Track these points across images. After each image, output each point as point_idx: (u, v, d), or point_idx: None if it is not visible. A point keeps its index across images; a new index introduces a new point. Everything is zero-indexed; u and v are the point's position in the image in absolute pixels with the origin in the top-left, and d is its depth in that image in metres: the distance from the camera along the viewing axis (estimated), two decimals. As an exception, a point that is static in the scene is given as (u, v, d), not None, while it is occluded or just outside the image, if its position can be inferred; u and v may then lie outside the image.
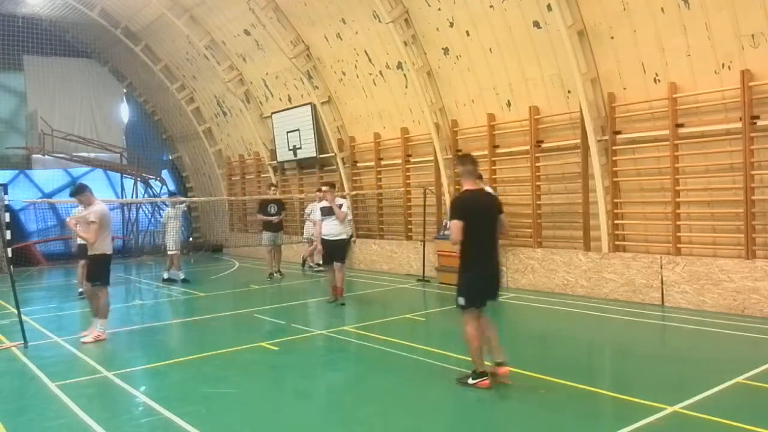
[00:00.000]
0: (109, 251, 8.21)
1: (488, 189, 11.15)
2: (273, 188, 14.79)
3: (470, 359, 5.85)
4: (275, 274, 13.80)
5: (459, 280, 5.95)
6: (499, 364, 5.83)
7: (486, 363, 5.82)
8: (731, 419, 4.71)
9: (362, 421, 5.19)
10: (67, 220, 9.09)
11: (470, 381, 5.79)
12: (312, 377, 6.49)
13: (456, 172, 5.89)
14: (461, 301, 5.84)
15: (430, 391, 5.97)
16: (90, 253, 8.19)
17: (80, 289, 11.35)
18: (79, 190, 8.19)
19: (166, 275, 13.59)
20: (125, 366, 6.84)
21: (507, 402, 5.56)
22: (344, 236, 10.60)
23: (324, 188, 10.85)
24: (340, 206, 10.46)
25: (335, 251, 10.47)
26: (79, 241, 11.34)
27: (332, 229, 10.43)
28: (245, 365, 6.89)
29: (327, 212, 10.48)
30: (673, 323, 8.43)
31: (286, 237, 14.61)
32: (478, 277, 5.83)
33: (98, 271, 8.16)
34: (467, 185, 5.94)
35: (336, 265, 10.42)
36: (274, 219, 13.92)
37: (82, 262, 11.32)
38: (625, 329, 8.37)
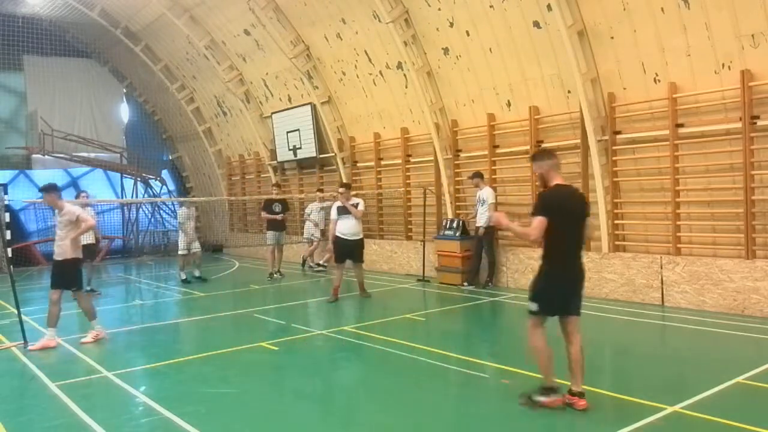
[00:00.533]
0: (81, 255, 8.05)
1: (487, 189, 11.29)
2: (275, 188, 14.75)
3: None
4: (275, 275, 13.80)
5: (535, 284, 5.29)
6: (577, 395, 5.15)
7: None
8: (731, 419, 4.71)
9: (362, 421, 5.19)
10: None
11: (541, 399, 5.20)
12: (312, 377, 6.49)
13: (538, 171, 5.40)
14: (533, 306, 5.23)
15: (430, 391, 5.97)
16: (61, 258, 7.73)
17: (89, 287, 11.34)
18: (48, 188, 7.80)
19: (183, 275, 13.45)
20: (125, 366, 6.84)
21: (507, 402, 5.56)
22: (361, 236, 10.81)
23: (341, 189, 10.94)
24: (356, 205, 10.58)
25: (354, 251, 10.71)
26: (85, 242, 11.41)
27: (350, 228, 10.62)
28: (245, 365, 6.89)
29: (343, 211, 10.60)
30: (673, 323, 8.43)
31: (286, 237, 14.58)
32: (561, 283, 5.20)
33: (73, 276, 7.88)
34: (557, 180, 5.26)
35: (355, 264, 10.77)
36: (279, 217, 13.91)
37: (91, 262, 11.42)
38: (625, 329, 8.37)
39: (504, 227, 5.25)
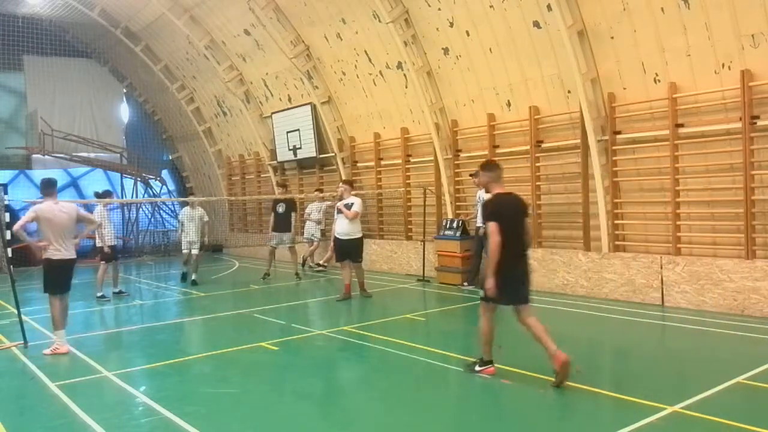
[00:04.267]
0: (55, 257, 7.41)
1: (482, 192, 11.26)
2: (280, 188, 14.67)
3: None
4: (298, 273, 13.68)
5: (489, 277, 5.90)
6: (554, 355, 5.83)
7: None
8: (731, 419, 4.71)
9: (362, 421, 5.19)
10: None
11: (477, 369, 6.16)
12: (312, 377, 6.48)
13: (480, 181, 6.49)
14: (484, 296, 6.02)
15: (430, 391, 5.97)
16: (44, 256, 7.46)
17: (99, 294, 11.32)
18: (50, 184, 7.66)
19: (193, 276, 13.36)
20: (125, 366, 6.84)
21: (507, 402, 5.56)
22: (356, 236, 10.64)
23: (339, 187, 10.92)
24: (350, 205, 10.51)
25: (350, 251, 10.65)
26: (99, 243, 11.43)
27: (343, 228, 10.61)
28: (245, 365, 6.89)
29: (339, 210, 10.63)
30: (673, 323, 8.43)
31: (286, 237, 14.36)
32: (509, 276, 5.87)
33: (45, 279, 7.55)
34: (497, 189, 6.14)
35: (354, 264, 10.66)
36: (272, 217, 13.86)
37: (103, 263, 11.39)
38: (625, 329, 8.37)
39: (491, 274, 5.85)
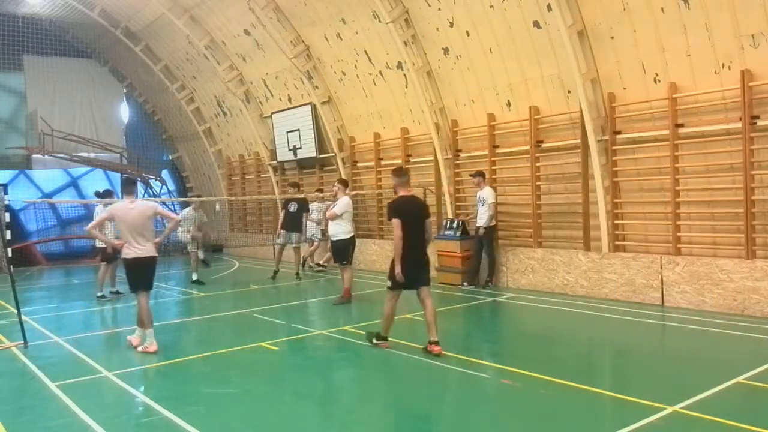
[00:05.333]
0: (129, 256, 7.41)
1: (487, 189, 11.28)
2: (293, 188, 14.57)
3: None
4: (299, 273, 13.62)
5: (390, 268, 7.11)
6: (433, 343, 6.93)
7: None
8: (731, 419, 4.71)
9: (362, 421, 5.19)
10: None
11: (375, 341, 7.32)
12: (312, 377, 6.49)
13: (393, 182, 7.44)
14: (389, 284, 7.16)
15: (430, 391, 5.97)
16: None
17: (99, 293, 11.34)
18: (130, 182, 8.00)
19: (194, 276, 13.33)
20: (125, 366, 6.84)
21: (507, 402, 5.57)
22: (341, 237, 10.45)
23: (335, 186, 10.92)
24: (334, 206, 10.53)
25: (334, 251, 10.70)
26: (99, 244, 11.21)
27: (330, 229, 10.63)
28: (245, 365, 6.89)
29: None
30: (673, 323, 8.43)
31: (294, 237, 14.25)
32: (406, 266, 6.96)
33: (126, 277, 7.66)
34: (403, 192, 7.24)
35: (339, 265, 10.62)
36: (282, 215, 13.82)
37: (104, 264, 11.39)
38: (625, 329, 8.37)
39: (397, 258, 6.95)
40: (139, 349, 7.42)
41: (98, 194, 12.05)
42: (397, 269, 6.90)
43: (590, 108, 9.89)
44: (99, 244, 11.39)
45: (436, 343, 6.90)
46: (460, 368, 6.44)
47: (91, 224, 7.96)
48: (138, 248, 7.35)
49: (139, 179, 20.94)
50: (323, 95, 15.05)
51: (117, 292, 11.71)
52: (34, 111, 19.22)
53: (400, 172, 7.45)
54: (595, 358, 7.52)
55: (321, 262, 14.82)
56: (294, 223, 13.73)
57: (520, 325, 9.25)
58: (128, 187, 7.83)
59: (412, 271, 7.01)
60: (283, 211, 13.88)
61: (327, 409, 5.64)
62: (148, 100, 22.40)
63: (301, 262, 15.10)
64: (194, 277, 13.23)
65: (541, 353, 7.27)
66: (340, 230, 10.46)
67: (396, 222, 6.96)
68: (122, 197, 7.87)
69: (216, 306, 10.73)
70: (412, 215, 7.08)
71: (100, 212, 11.12)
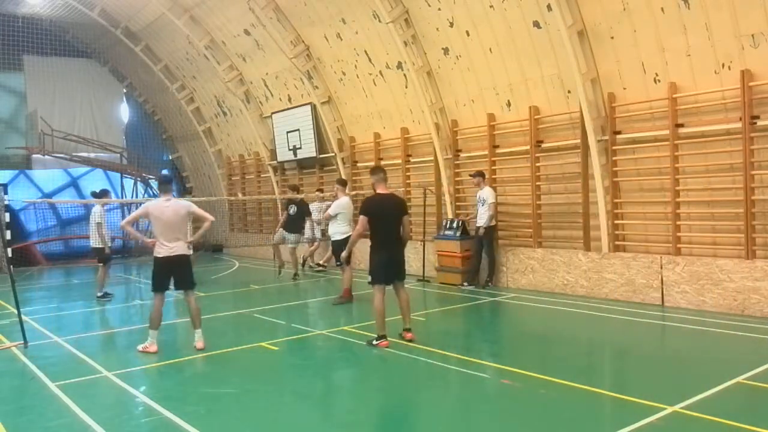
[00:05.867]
0: (159, 255, 7.32)
1: (487, 189, 11.28)
2: (292, 191, 14.54)
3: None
4: (297, 274, 13.61)
5: (369, 264, 7.50)
6: (407, 330, 7.44)
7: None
8: (731, 419, 4.71)
9: (362, 421, 5.19)
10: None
11: (374, 342, 7.29)
12: (312, 377, 6.48)
13: (371, 180, 7.74)
14: (369, 279, 7.46)
15: (429, 391, 5.97)
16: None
17: (99, 293, 11.26)
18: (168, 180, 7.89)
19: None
20: (125, 366, 6.84)
21: (507, 402, 5.57)
22: (337, 237, 10.57)
23: (335, 186, 10.97)
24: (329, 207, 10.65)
25: (333, 252, 10.70)
26: (96, 244, 11.14)
27: (329, 229, 10.74)
28: (245, 365, 6.89)
29: None
30: (673, 323, 8.43)
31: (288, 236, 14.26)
32: (381, 261, 7.35)
33: (151, 275, 7.63)
34: (379, 189, 7.52)
35: (339, 266, 10.67)
36: (284, 215, 13.88)
37: (102, 264, 11.31)
38: (625, 329, 8.37)
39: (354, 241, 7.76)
40: (140, 348, 7.39)
41: (95, 194, 11.97)
42: (345, 254, 8.02)
43: (590, 108, 9.89)
44: (96, 244, 11.21)
45: (408, 330, 7.46)
46: (460, 368, 6.44)
47: (125, 220, 7.74)
48: (169, 247, 7.24)
49: (145, 179, 21.01)
50: (323, 95, 15.05)
51: (106, 294, 11.37)
52: (34, 111, 19.22)
53: (376, 170, 7.73)
54: (595, 358, 7.52)
55: (321, 262, 14.83)
56: (293, 225, 13.81)
57: (520, 325, 9.25)
58: (164, 186, 7.63)
59: (387, 266, 7.32)
60: (284, 212, 13.92)
61: (327, 409, 5.63)
62: (148, 100, 22.40)
63: (301, 262, 15.11)
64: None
65: (540, 353, 7.27)
66: (337, 230, 10.59)
67: (361, 219, 7.32)
68: (159, 195, 7.62)
69: (216, 306, 10.72)
70: (385, 213, 7.34)
71: (98, 212, 11.10)
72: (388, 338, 7.33)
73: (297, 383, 6.25)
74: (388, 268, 7.34)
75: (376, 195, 7.53)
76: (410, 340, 7.31)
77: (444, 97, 12.47)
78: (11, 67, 19.13)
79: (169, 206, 7.30)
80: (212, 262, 17.70)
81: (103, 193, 11.95)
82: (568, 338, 8.05)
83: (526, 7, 10.21)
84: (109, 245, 11.43)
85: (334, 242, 10.59)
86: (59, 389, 5.97)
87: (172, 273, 7.41)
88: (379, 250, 7.35)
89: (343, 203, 10.61)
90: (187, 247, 7.46)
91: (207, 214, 7.70)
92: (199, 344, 7.42)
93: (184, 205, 7.55)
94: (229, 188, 20.47)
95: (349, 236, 10.52)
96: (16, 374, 6.71)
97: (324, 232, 14.59)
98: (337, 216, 10.47)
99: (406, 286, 7.67)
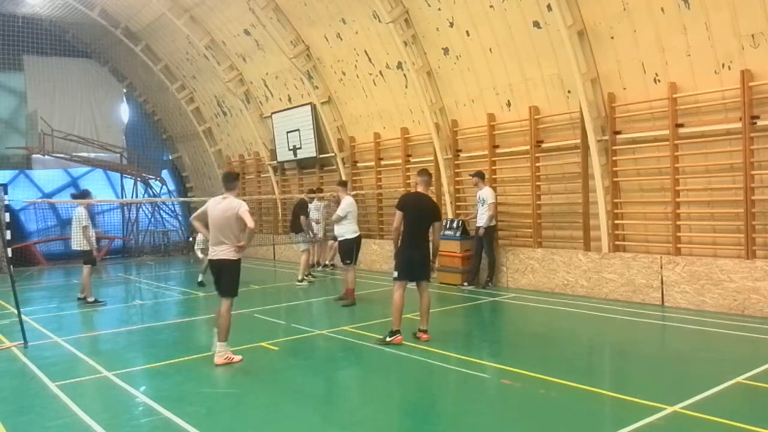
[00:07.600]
0: (210, 257, 6.98)
1: (487, 189, 11.27)
2: (311, 194, 14.32)
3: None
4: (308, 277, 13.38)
5: (395, 259, 7.59)
6: (423, 331, 7.55)
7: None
8: (731, 419, 4.71)
9: (362, 421, 5.19)
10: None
11: (387, 339, 7.37)
12: (312, 377, 6.48)
13: (415, 181, 7.99)
14: (394, 274, 7.52)
15: (429, 391, 5.97)
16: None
17: (90, 299, 10.94)
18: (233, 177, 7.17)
19: (200, 278, 13.07)
20: (125, 366, 6.84)
21: (507, 402, 5.57)
22: (346, 236, 10.47)
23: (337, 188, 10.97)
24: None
25: (340, 252, 10.65)
26: (77, 246, 10.79)
27: (336, 230, 10.64)
28: (245, 365, 6.88)
29: None
30: (673, 323, 8.43)
31: (287, 237, 14.30)
32: (408, 258, 7.44)
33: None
34: (419, 189, 7.69)
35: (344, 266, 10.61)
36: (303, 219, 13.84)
37: (87, 267, 11.07)
38: (625, 329, 8.37)
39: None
40: (223, 360, 6.79)
41: (74, 196, 11.60)
42: (398, 260, 7.50)
43: (590, 108, 9.89)
44: (82, 246, 10.70)
45: (425, 331, 7.54)
46: (460, 368, 6.44)
47: (194, 215, 7.25)
48: (214, 249, 6.86)
49: (145, 179, 21.00)
50: (323, 95, 15.05)
51: (84, 299, 11.02)
52: (34, 111, 19.21)
53: (423, 172, 7.85)
54: (595, 358, 7.52)
55: (327, 262, 14.87)
56: (293, 225, 13.82)
57: (520, 325, 9.25)
58: (227, 183, 7.05)
59: (413, 264, 7.43)
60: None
61: (327, 409, 5.63)
62: (148, 100, 22.40)
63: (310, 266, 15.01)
64: (200, 278, 13.15)
65: (541, 353, 7.27)
66: (342, 230, 10.51)
67: (397, 214, 7.46)
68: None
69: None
70: (419, 210, 7.45)
71: (82, 215, 10.71)
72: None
73: (297, 383, 6.24)
74: (413, 265, 7.44)
75: (414, 192, 7.72)
76: (426, 341, 7.42)
77: (444, 97, 12.47)
78: (11, 67, 19.12)
79: (220, 205, 6.82)
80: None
81: (83, 194, 11.42)
82: (568, 338, 8.05)
83: (526, 7, 10.21)
84: (96, 246, 11.09)
85: (345, 242, 10.52)
86: (59, 389, 5.97)
87: (216, 276, 7.00)
88: (407, 248, 7.45)
89: (350, 203, 10.64)
90: (234, 251, 6.83)
91: (249, 221, 6.78)
92: (217, 359, 6.79)
93: (234, 205, 6.81)
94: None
95: (358, 235, 10.59)
96: (16, 374, 6.71)
97: (324, 232, 14.61)
98: (347, 215, 10.49)
99: (407, 287, 7.65)
